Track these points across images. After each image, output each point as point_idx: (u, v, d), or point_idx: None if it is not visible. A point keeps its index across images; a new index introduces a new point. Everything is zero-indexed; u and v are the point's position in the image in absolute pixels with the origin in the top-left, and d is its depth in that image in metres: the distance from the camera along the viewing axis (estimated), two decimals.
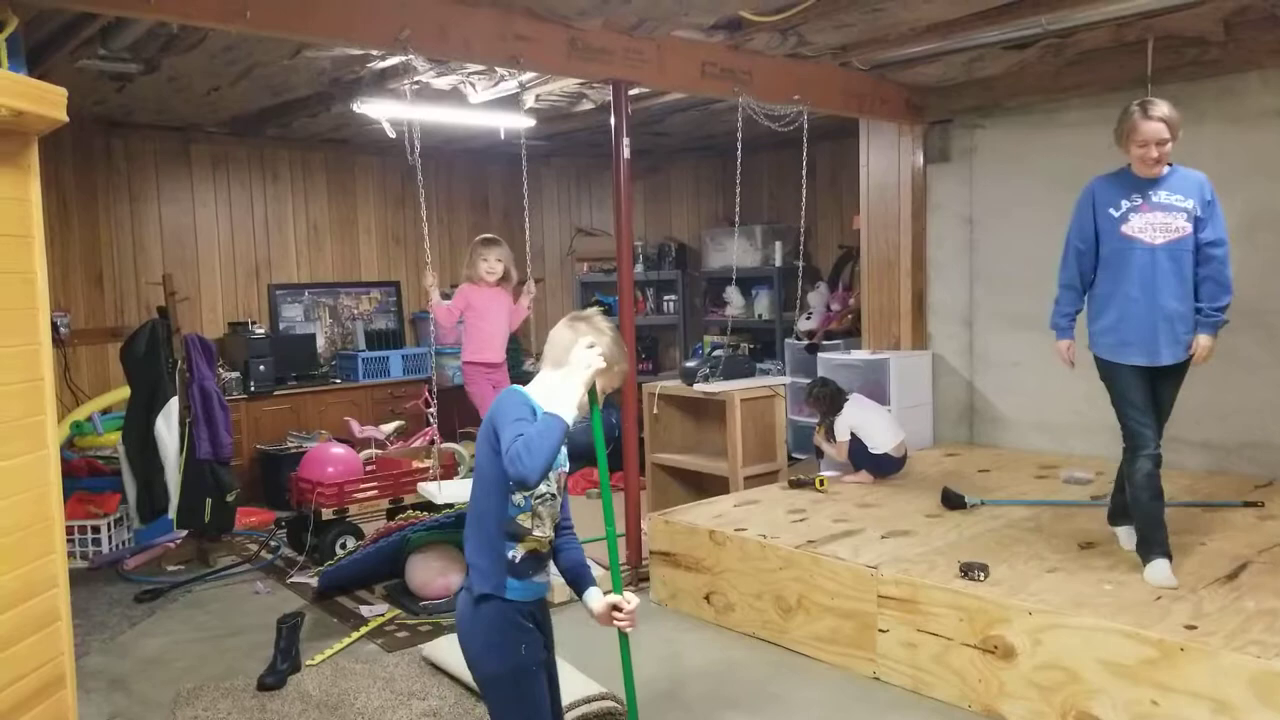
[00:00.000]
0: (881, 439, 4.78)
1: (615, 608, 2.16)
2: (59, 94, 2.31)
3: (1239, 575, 3.25)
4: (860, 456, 4.79)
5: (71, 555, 4.95)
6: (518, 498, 2.05)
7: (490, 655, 2.08)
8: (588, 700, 3.02)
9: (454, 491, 4.37)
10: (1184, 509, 4.10)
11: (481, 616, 2.07)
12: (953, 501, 4.23)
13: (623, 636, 2.25)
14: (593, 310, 2.22)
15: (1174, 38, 4.57)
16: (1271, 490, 4.35)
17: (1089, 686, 2.85)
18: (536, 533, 2.09)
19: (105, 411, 5.71)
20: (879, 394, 5.40)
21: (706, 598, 4.01)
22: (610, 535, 2.31)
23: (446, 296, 4.51)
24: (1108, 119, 5.05)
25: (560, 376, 2.10)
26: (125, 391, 5.05)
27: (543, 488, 2.06)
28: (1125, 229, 3.44)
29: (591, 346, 2.07)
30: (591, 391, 2.12)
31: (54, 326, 5.72)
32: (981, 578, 3.25)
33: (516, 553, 2.07)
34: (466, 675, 3.35)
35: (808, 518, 4.13)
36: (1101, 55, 4.84)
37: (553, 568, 2.20)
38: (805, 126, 4.97)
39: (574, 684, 3.13)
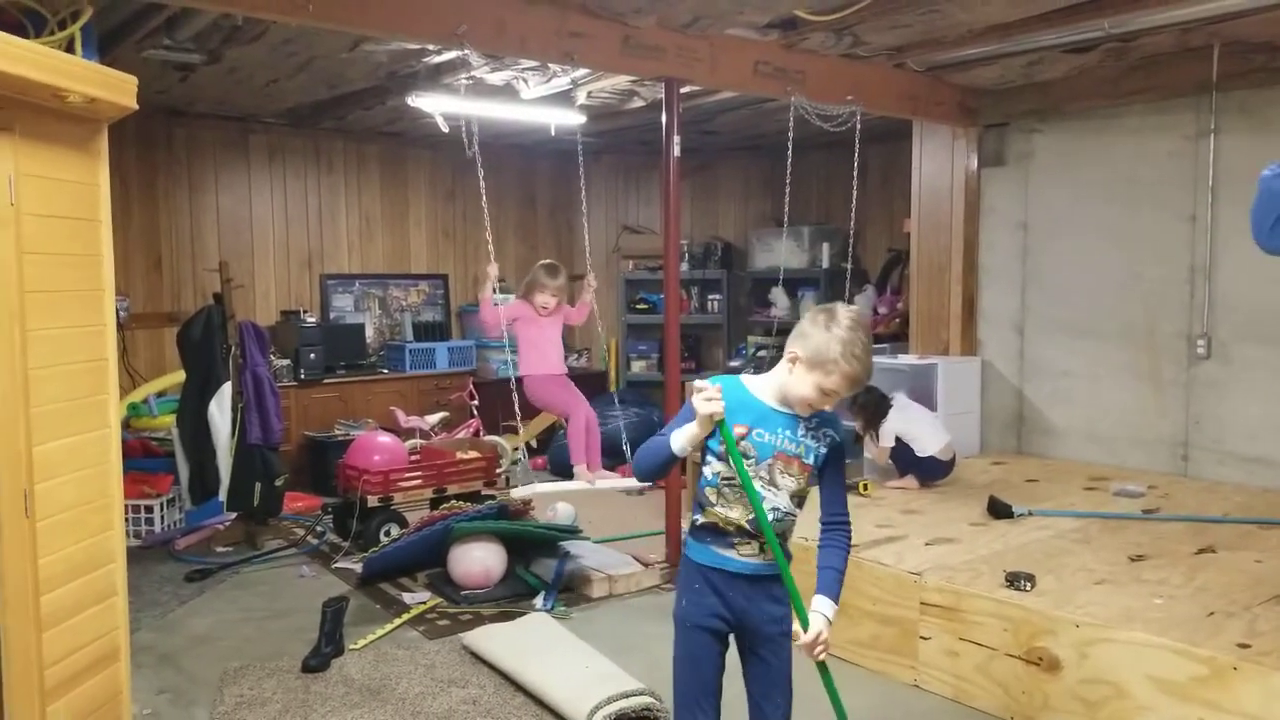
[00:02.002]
0: (928, 441, 4.72)
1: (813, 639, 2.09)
2: (130, 82, 2.38)
3: None
4: (906, 460, 4.74)
5: (126, 534, 5.06)
6: (707, 471, 2.10)
7: (676, 599, 2.22)
8: (625, 695, 3.03)
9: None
10: (1239, 525, 4.02)
11: (680, 558, 2.23)
12: (999, 511, 4.17)
13: (822, 665, 2.16)
14: (839, 304, 2.08)
15: (1241, 43, 4.47)
16: None
17: (1136, 703, 2.80)
18: (719, 509, 2.10)
19: (160, 394, 5.83)
20: (926, 399, 5.34)
21: None
22: (785, 572, 2.10)
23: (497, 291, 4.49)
24: (1169, 125, 5.01)
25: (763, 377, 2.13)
26: (180, 375, 5.17)
27: (729, 471, 2.06)
28: None
29: (701, 390, 1.98)
30: (725, 429, 2.01)
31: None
32: (1028, 588, 3.20)
33: (698, 517, 2.15)
34: (506, 665, 3.40)
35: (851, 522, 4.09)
36: (1165, 60, 4.75)
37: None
38: (858, 127, 4.94)
39: (612, 679, 3.15)
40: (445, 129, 5.10)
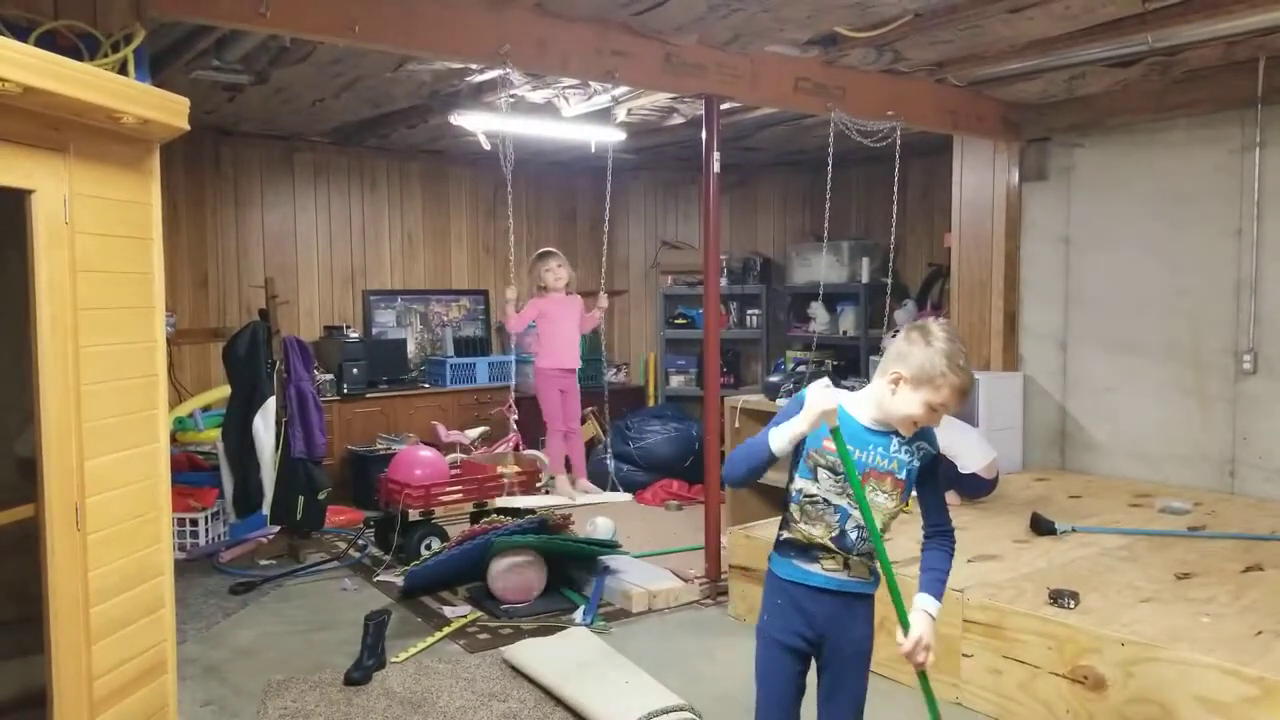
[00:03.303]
0: (971, 458, 4.66)
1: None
2: (182, 103, 2.44)
3: None
4: (948, 476, 4.68)
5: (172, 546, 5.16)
6: (791, 488, 2.13)
7: (760, 611, 2.24)
8: (665, 711, 3.02)
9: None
10: (1278, 544, 3.95)
11: (766, 572, 2.23)
12: (1042, 527, 4.11)
13: (922, 675, 2.17)
14: (939, 323, 2.09)
15: None
16: None
17: None
18: (802, 525, 2.11)
19: (206, 409, 5.93)
20: (968, 415, 5.28)
21: None
22: (890, 577, 2.12)
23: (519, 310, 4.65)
24: (1214, 139, 4.93)
25: (871, 384, 2.13)
26: (226, 390, 5.26)
27: (812, 489, 2.08)
28: None
29: (827, 387, 1.99)
30: (838, 434, 2.00)
31: None
32: (1072, 605, 3.15)
33: (783, 533, 2.17)
34: (546, 679, 3.41)
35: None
36: (1209, 74, 4.69)
37: None
38: (898, 142, 4.91)
39: (651, 694, 3.14)
40: (487, 146, 5.16)
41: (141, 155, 2.45)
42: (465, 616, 4.20)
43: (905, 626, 2.08)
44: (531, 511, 5.14)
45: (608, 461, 5.20)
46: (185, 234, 6.29)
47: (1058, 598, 3.19)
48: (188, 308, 6.30)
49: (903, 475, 2.09)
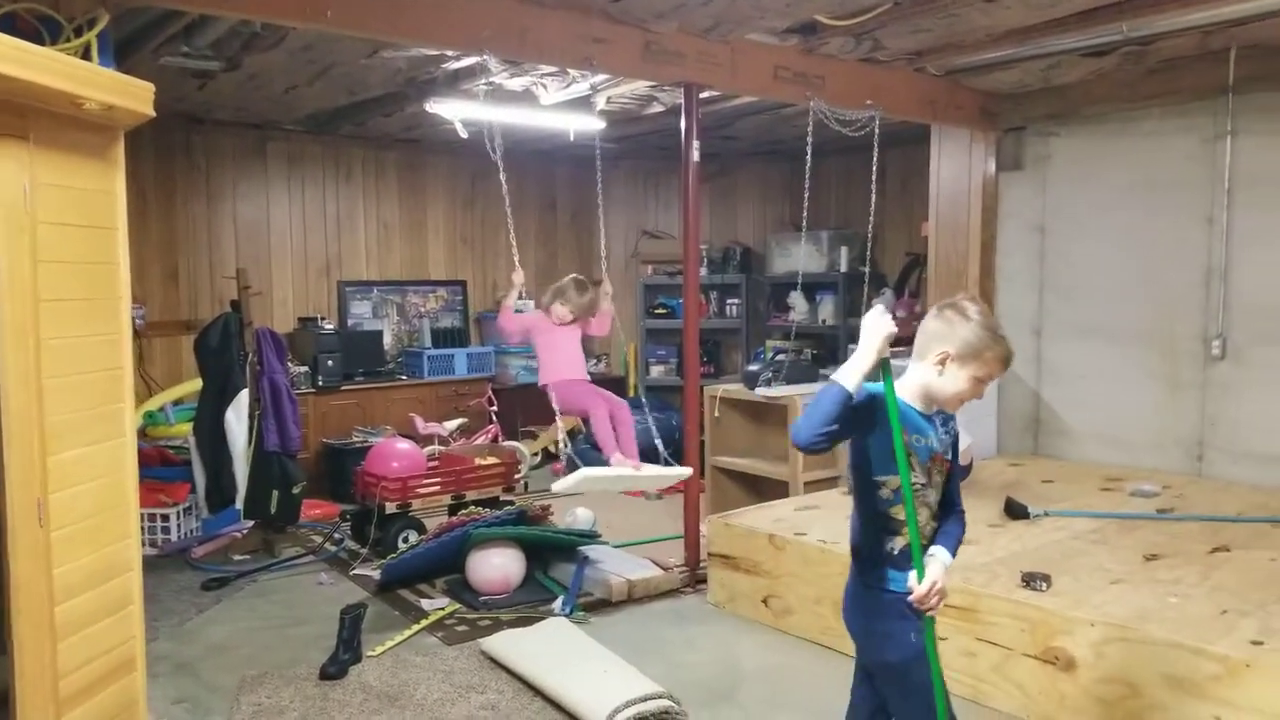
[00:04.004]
0: None
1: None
2: (147, 89, 2.39)
3: None
4: None
5: (141, 542, 5.08)
6: (885, 491, 2.05)
7: (884, 645, 2.11)
8: (644, 699, 3.01)
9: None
10: (1253, 524, 4.00)
11: (868, 605, 2.11)
12: (1016, 512, 4.15)
13: (930, 620, 2.09)
14: (965, 296, 2.11)
15: (1260, 47, 4.43)
16: None
17: (1151, 701, 2.79)
18: (910, 522, 2.06)
19: (177, 402, 5.86)
20: None
21: (764, 601, 3.98)
22: (912, 526, 2.05)
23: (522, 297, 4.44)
24: (1186, 128, 4.96)
25: (910, 369, 2.09)
26: (197, 383, 5.19)
27: (921, 478, 2.05)
28: None
29: (884, 312, 1.96)
30: (887, 365, 1.97)
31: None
32: (1044, 588, 3.19)
33: (894, 546, 2.07)
34: (525, 670, 3.39)
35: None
36: (1183, 64, 4.71)
37: None
38: (876, 132, 4.91)
39: (630, 682, 3.13)
40: (465, 135, 5.11)
41: (106, 143, 2.40)
42: (443, 609, 4.17)
43: (920, 573, 2.03)
44: (511, 503, 5.13)
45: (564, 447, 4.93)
46: (154, 224, 6.19)
47: (1030, 580, 3.23)
48: (158, 299, 6.21)
49: (948, 455, 2.12)
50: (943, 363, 2.03)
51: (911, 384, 2.10)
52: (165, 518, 5.17)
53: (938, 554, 2.07)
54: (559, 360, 4.29)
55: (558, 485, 4.09)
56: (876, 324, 1.95)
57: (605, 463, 4.28)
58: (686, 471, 4.42)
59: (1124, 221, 5.22)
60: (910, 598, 2.02)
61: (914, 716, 2.11)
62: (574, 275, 4.40)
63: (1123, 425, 5.24)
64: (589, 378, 4.41)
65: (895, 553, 2.06)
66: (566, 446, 4.36)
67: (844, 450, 4.88)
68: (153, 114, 2.40)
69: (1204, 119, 4.84)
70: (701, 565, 4.43)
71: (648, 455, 4.47)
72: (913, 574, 2.04)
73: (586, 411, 4.32)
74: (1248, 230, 4.73)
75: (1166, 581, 3.28)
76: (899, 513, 2.04)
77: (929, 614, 2.04)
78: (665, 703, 3.05)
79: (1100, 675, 2.91)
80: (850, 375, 1.93)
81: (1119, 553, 3.62)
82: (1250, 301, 4.74)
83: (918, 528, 2.04)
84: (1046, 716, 3.04)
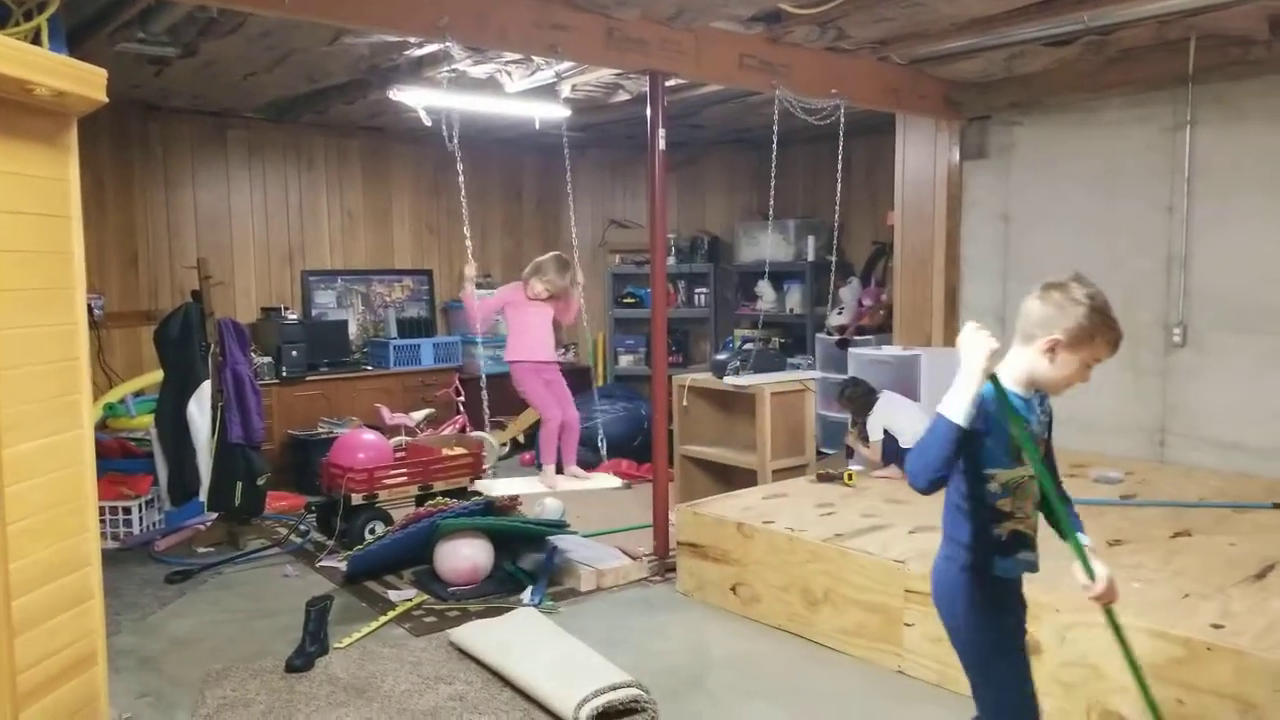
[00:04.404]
0: (912, 434, 4.73)
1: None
2: (99, 75, 2.33)
3: (1266, 575, 3.22)
4: (891, 452, 4.75)
5: (103, 536, 5.00)
6: (994, 485, 2.02)
7: (973, 626, 2.09)
8: (613, 687, 3.02)
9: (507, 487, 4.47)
10: (1214, 509, 4.07)
11: (963, 587, 2.08)
12: None
13: (1109, 611, 2.12)
14: (1069, 276, 2.01)
15: (1217, 36, 4.49)
16: None
17: (1114, 684, 2.82)
18: (1018, 513, 2.05)
19: (138, 394, 5.77)
20: (910, 390, 5.35)
21: (733, 589, 4.00)
22: (1066, 525, 2.10)
23: (480, 287, 4.46)
24: (1146, 118, 5.03)
25: (1013, 354, 2.02)
26: (158, 374, 5.11)
27: (1024, 471, 2.02)
28: None
29: (979, 329, 1.88)
30: (997, 381, 1.93)
31: (88, 309, 5.79)
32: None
33: (1001, 532, 2.05)
34: (493, 660, 3.39)
35: (835, 512, 4.11)
36: (1143, 53, 4.77)
37: None
38: (841, 121, 4.93)
39: (599, 672, 3.14)
40: (428, 123, 5.06)
41: (57, 129, 2.34)
42: (411, 600, 4.15)
43: (1089, 571, 2.03)
44: (479, 493, 5.10)
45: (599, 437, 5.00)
46: (112, 213, 6.08)
47: None
48: (117, 289, 6.11)
49: (1045, 436, 2.10)
50: (1052, 350, 1.96)
51: (1013, 369, 2.03)
52: (127, 510, 5.10)
53: (1086, 541, 2.08)
54: (528, 340, 4.30)
55: (479, 484, 4.40)
56: (976, 342, 1.88)
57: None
58: (615, 481, 4.55)
59: (1086, 210, 5.28)
60: (1092, 595, 2.03)
61: (994, 706, 2.11)
62: (557, 253, 4.41)
63: (1086, 412, 5.30)
64: (558, 362, 4.42)
65: (1002, 539, 2.04)
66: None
67: (811, 440, 4.86)
68: (106, 100, 2.35)
69: (1164, 109, 4.91)
70: (670, 554, 4.44)
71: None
72: (1078, 567, 2.03)
73: (544, 410, 4.33)
74: (1207, 219, 4.81)
75: (1129, 566, 3.32)
76: (1006, 505, 2.02)
77: (1108, 605, 2.07)
78: (634, 691, 3.05)
79: (1065, 659, 2.94)
80: (959, 407, 1.88)
81: None
82: (1210, 289, 4.82)
83: (1029, 518, 2.04)
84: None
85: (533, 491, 4.49)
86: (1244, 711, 2.57)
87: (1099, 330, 1.95)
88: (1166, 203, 4.94)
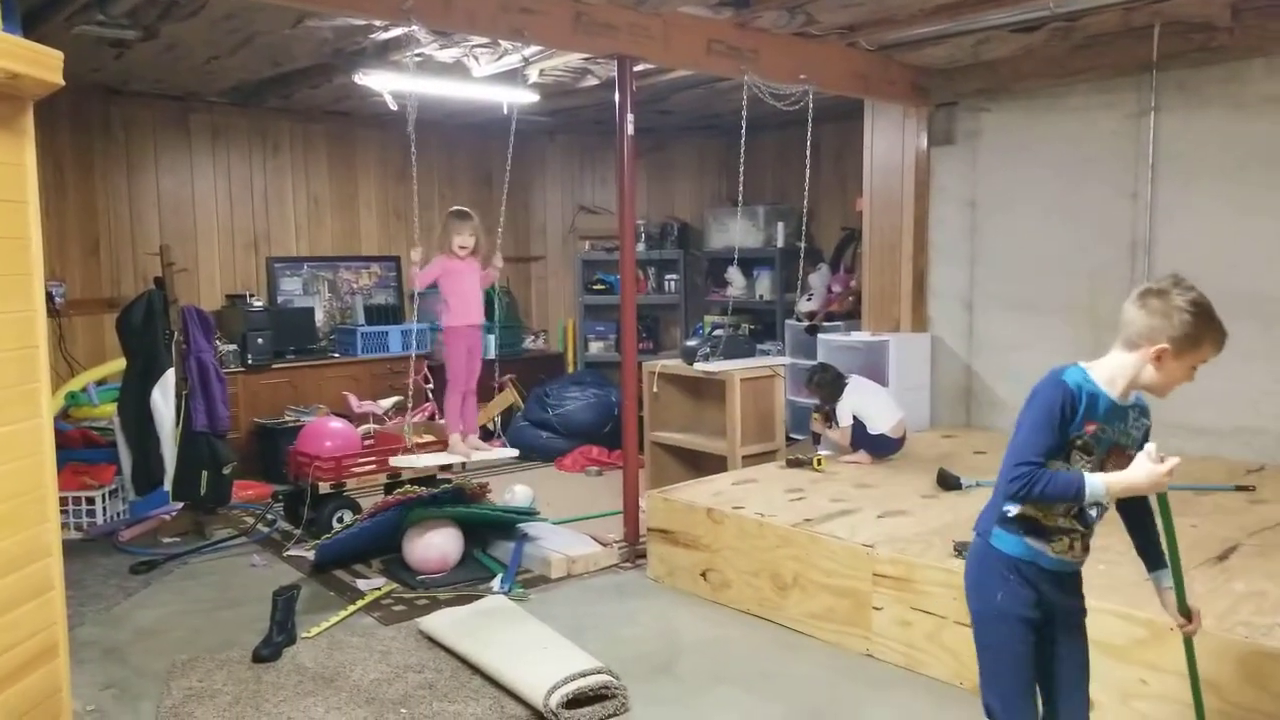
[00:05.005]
0: (880, 419, 4.78)
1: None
2: (55, 57, 2.28)
3: (1229, 557, 3.27)
4: (859, 437, 4.79)
5: (66, 526, 4.94)
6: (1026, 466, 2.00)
7: (972, 592, 2.15)
8: (582, 674, 3.02)
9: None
10: (1177, 492, 4.10)
11: (974, 552, 2.16)
12: (949, 483, 4.23)
13: (1188, 642, 2.21)
14: (1168, 280, 1.96)
15: (1181, 23, 4.54)
16: (1263, 475, 4.37)
17: None
18: (1041, 505, 2.03)
19: (101, 383, 5.68)
20: (878, 376, 5.39)
21: (703, 575, 4.02)
22: (1173, 556, 2.18)
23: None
24: (1111, 104, 5.07)
25: (1114, 359, 2.02)
26: (121, 363, 5.04)
27: (1063, 468, 1.99)
28: None
29: (1167, 473, 1.90)
30: (1164, 500, 2.02)
31: (49, 296, 5.68)
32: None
33: (1012, 509, 2.06)
34: (463, 649, 3.38)
35: (805, 497, 4.13)
36: (1108, 40, 4.81)
37: None
38: (810, 107, 4.93)
39: (569, 658, 3.14)
40: (394, 107, 5.01)
41: (13, 113, 2.29)
42: (380, 589, 4.13)
43: (1184, 607, 2.14)
44: (448, 481, 5.08)
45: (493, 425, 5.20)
46: (73, 199, 5.97)
47: (962, 550, 3.26)
48: (78, 276, 6.00)
49: (1134, 450, 2.02)
50: (1159, 358, 1.94)
51: (1115, 373, 2.01)
52: (90, 501, 5.03)
53: (1166, 582, 2.17)
54: (465, 305, 4.45)
55: (393, 461, 4.52)
56: (1153, 479, 1.92)
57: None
58: (512, 453, 4.79)
59: (1052, 196, 5.33)
60: (1187, 630, 2.15)
61: (982, 672, 2.14)
62: (451, 208, 4.56)
63: None
64: (484, 321, 4.62)
65: (1009, 515, 2.07)
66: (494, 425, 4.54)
67: (781, 425, 4.85)
68: (62, 83, 2.30)
69: (1128, 95, 4.95)
70: (641, 540, 4.45)
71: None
72: (1170, 596, 2.15)
73: (449, 376, 4.51)
74: (1170, 204, 4.86)
75: (1096, 549, 3.28)
76: None
77: (1191, 635, 2.16)
78: (604, 678, 3.06)
79: None
80: (1098, 492, 1.91)
81: None
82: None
83: (1053, 516, 2.03)
84: (978, 683, 3.10)
85: (450, 460, 4.66)
86: (1206, 691, 2.59)
87: (1205, 334, 1.93)
88: (1131, 189, 4.99)
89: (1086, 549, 2.13)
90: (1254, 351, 4.61)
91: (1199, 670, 2.28)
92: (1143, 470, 1.91)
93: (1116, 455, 2.02)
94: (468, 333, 4.47)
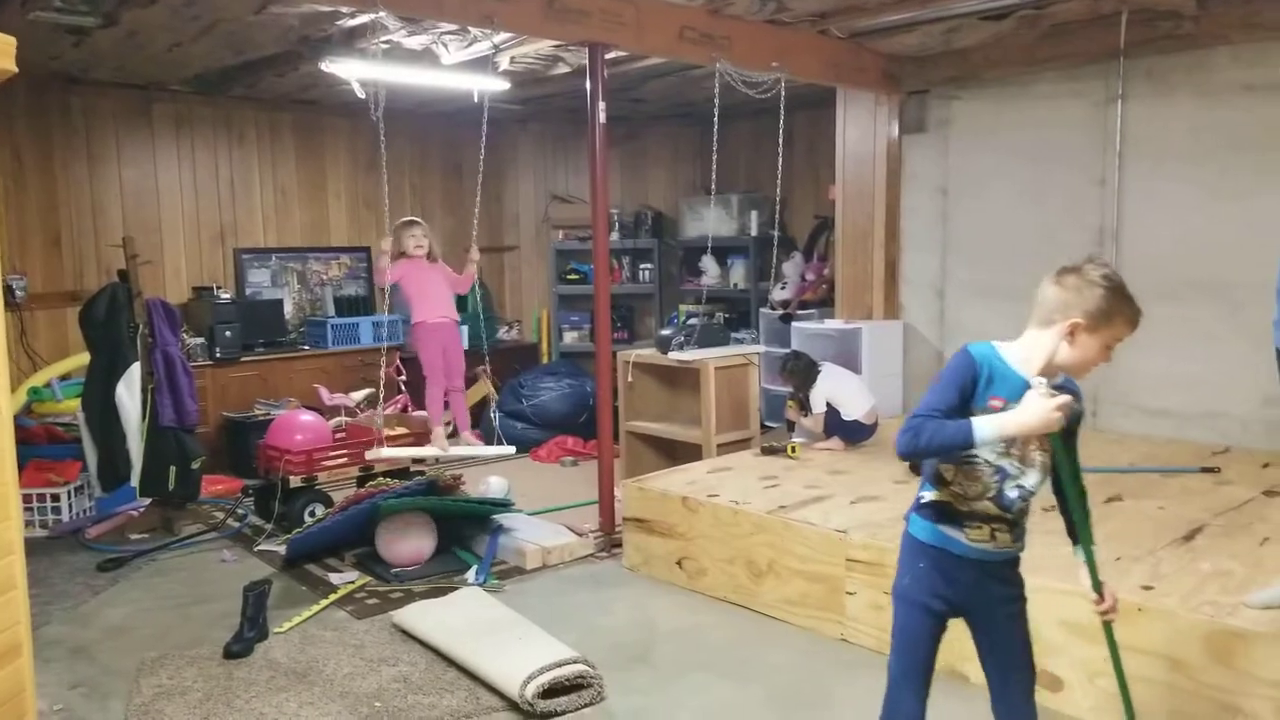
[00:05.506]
0: (853, 406, 4.80)
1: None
2: (7, 43, 2.21)
3: (1194, 538, 3.31)
4: (832, 424, 4.80)
5: (31, 524, 4.87)
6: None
7: (897, 570, 2.14)
8: (558, 664, 3.01)
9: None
10: (1143, 474, 4.18)
11: (903, 533, 2.14)
12: (921, 469, 4.25)
13: (1107, 627, 2.15)
14: (1084, 259, 1.98)
15: (1148, 11, 4.57)
16: (1228, 457, 4.43)
17: (1048, 646, 2.88)
18: (955, 488, 2.00)
19: (64, 378, 5.58)
20: (851, 363, 5.41)
21: (679, 563, 4.02)
22: (1086, 544, 2.12)
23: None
24: (1079, 92, 5.11)
25: (1030, 338, 2.00)
26: (85, 357, 4.95)
27: (988, 454, 1.97)
28: None
29: (1057, 410, 1.84)
30: (1057, 440, 1.95)
31: (9, 289, 5.59)
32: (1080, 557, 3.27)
33: (927, 494, 2.06)
34: (438, 641, 3.36)
35: (779, 484, 4.14)
36: (1076, 28, 4.83)
37: None
38: (783, 95, 4.92)
39: (545, 649, 3.12)
40: (362, 95, 4.93)
41: None
42: (353, 582, 4.09)
43: (1096, 587, 2.09)
44: (422, 472, 5.05)
45: (493, 418, 5.17)
46: (33, 191, 5.85)
47: None
48: (40, 270, 5.88)
49: (1059, 429, 1.99)
50: (1073, 333, 1.94)
51: (1030, 352, 1.99)
52: (55, 498, 4.95)
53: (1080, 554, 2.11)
54: (430, 300, 4.43)
55: (369, 454, 4.53)
56: (1041, 415, 1.86)
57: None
58: (508, 450, 4.72)
59: (1022, 183, 5.37)
60: (1100, 609, 2.09)
61: (899, 647, 2.14)
62: (402, 220, 4.58)
63: None
64: (457, 318, 4.56)
65: (923, 501, 2.07)
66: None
67: (756, 413, 4.86)
68: (15, 70, 2.23)
69: (1096, 83, 4.99)
70: (616, 530, 4.44)
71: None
72: (1085, 576, 2.10)
73: (426, 374, 4.48)
74: (1137, 191, 4.91)
75: (1063, 531, 3.34)
76: (947, 471, 2.01)
77: (1110, 620, 2.11)
78: (580, 667, 3.05)
79: None
80: (988, 436, 1.88)
81: None
82: (1140, 261, 4.91)
83: (971, 499, 1.99)
84: (949, 666, 3.10)
85: (425, 454, 4.68)
86: (1173, 669, 2.66)
87: (1118, 310, 1.94)
88: (1099, 175, 5.03)
89: (1017, 538, 2.07)
90: (1220, 335, 4.67)
91: (1123, 660, 2.21)
92: (1032, 407, 1.87)
93: (1039, 435, 1.97)
94: (438, 329, 4.44)
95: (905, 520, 2.14)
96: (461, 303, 4.94)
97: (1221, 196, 4.63)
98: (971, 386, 1.95)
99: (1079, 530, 2.10)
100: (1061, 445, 1.98)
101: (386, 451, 4.48)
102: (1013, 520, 2.05)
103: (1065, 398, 1.87)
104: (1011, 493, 2.01)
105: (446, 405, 4.55)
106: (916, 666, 2.11)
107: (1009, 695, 2.12)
